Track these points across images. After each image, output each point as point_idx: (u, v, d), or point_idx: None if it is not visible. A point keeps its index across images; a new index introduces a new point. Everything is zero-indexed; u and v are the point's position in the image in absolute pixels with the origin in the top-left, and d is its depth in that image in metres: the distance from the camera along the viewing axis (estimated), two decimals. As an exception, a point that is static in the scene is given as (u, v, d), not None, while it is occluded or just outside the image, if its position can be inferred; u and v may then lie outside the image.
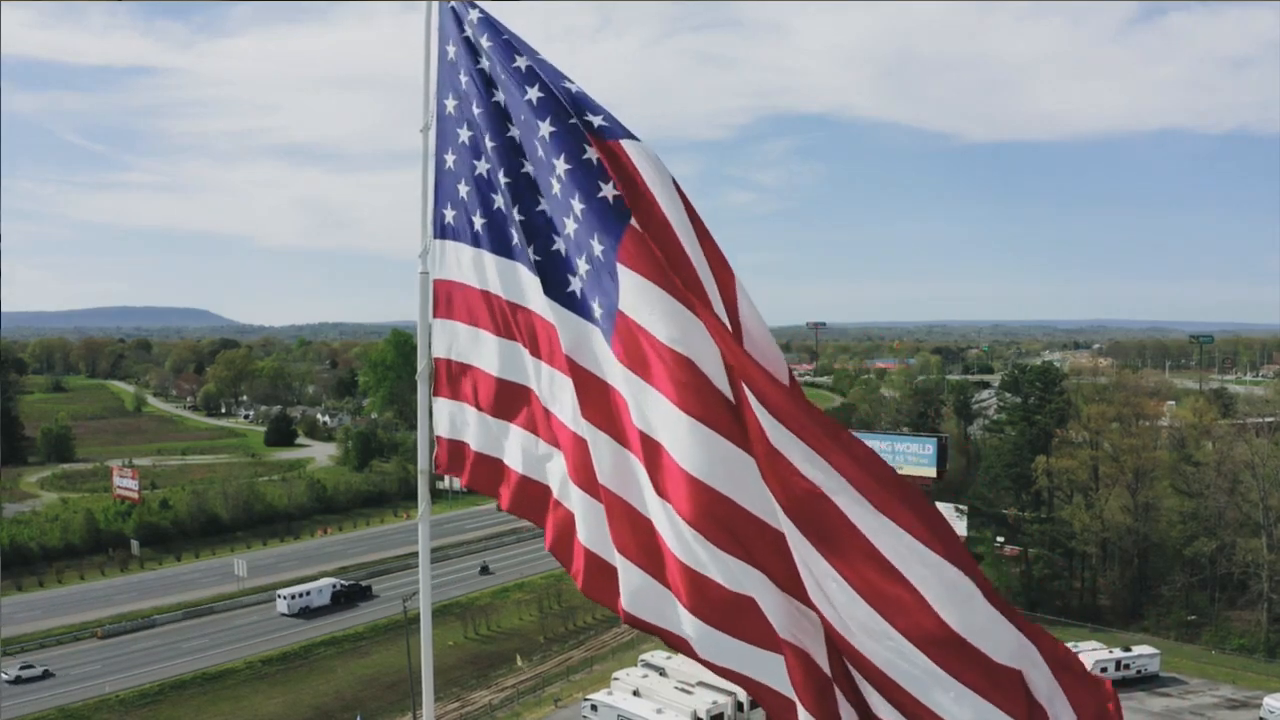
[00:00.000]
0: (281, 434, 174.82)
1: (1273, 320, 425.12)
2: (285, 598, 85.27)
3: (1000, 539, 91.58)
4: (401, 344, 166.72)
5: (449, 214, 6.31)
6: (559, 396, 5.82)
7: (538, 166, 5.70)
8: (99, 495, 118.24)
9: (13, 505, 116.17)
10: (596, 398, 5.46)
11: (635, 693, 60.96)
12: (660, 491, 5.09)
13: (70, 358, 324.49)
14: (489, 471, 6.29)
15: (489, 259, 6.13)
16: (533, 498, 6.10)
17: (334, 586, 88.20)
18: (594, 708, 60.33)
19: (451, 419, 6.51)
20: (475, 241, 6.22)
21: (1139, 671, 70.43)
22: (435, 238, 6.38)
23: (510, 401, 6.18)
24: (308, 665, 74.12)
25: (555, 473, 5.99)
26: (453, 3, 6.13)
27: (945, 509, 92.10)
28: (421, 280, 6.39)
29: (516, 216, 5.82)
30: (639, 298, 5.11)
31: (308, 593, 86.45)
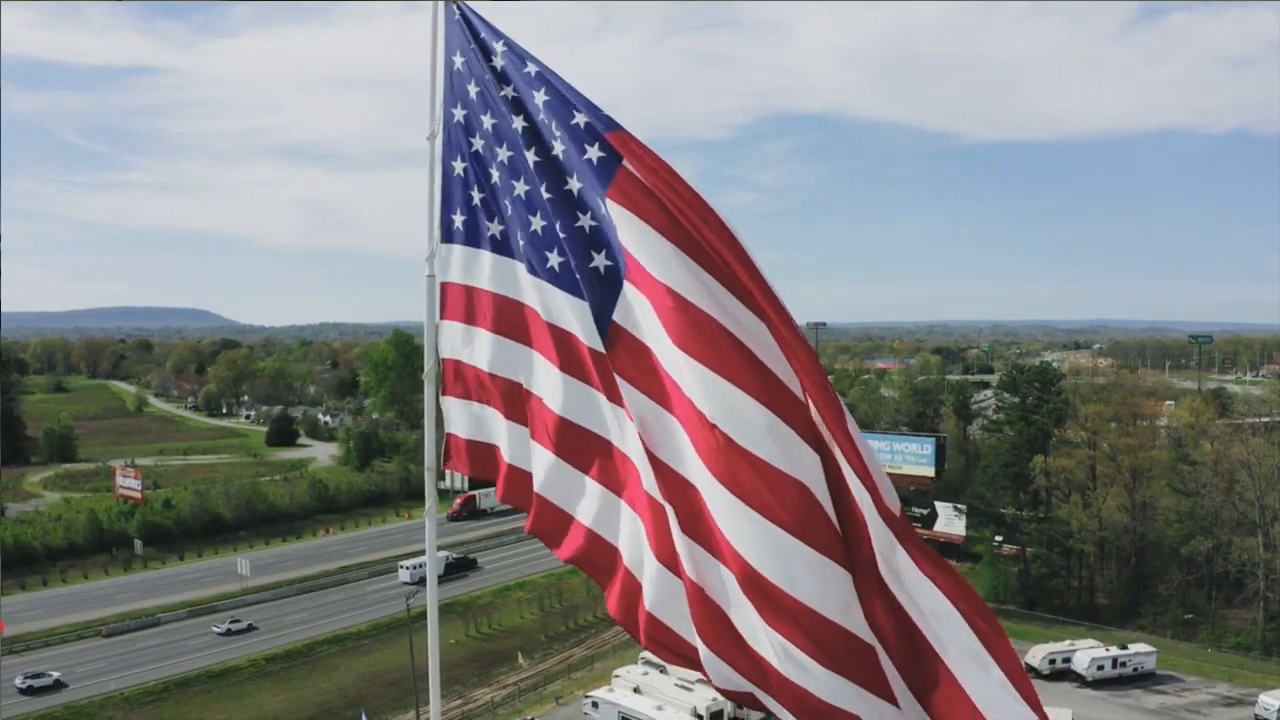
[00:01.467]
0: (283, 434, 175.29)
1: (1273, 320, 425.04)
2: (407, 568, 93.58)
3: (999, 538, 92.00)
4: (402, 344, 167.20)
5: (457, 219, 6.38)
6: (633, 446, 5.66)
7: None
8: (101, 495, 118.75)
9: (16, 505, 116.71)
10: (686, 503, 5.29)
11: (636, 690, 61.40)
12: (747, 593, 5.06)
13: (71, 358, 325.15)
14: (552, 519, 6.11)
15: (535, 280, 6.08)
16: (601, 559, 5.96)
17: (447, 558, 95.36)
18: (595, 705, 60.79)
19: (461, 418, 6.55)
20: (499, 250, 6.30)
21: (1135, 669, 70.74)
22: (443, 242, 6.46)
23: (583, 449, 5.98)
24: (310, 663, 74.56)
25: (627, 534, 5.83)
26: (458, 12, 6.23)
27: (944, 509, 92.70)
28: (429, 283, 6.49)
29: (558, 233, 5.84)
30: (718, 399, 4.99)
31: (425, 564, 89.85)
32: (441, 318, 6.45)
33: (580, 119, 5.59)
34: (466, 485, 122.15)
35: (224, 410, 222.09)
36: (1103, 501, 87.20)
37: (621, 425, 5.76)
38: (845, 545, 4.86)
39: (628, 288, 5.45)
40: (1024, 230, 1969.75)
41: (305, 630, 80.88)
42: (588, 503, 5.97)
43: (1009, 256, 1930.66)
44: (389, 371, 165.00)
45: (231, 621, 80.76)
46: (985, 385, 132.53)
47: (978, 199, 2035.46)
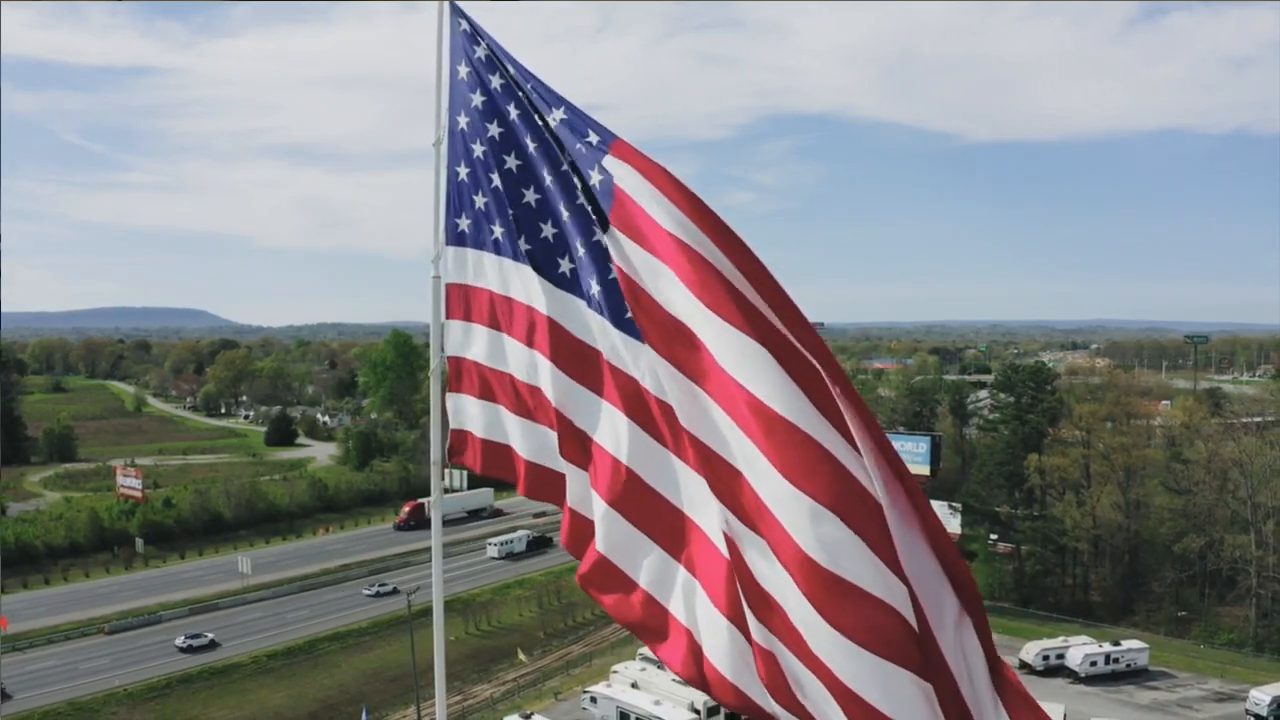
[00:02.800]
0: (282, 434, 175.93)
1: (1272, 320, 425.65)
2: (495, 544, 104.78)
3: (993, 536, 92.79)
4: (401, 344, 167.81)
5: (462, 223, 6.55)
6: (702, 514, 5.52)
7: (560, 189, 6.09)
8: (102, 495, 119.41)
9: (16, 504, 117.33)
10: (774, 617, 5.13)
11: (634, 685, 62.04)
12: (844, 708, 4.97)
13: (70, 358, 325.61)
14: (610, 579, 5.87)
15: (599, 319, 6.08)
16: (655, 624, 5.76)
17: (528, 536, 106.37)
18: (593, 700, 61.50)
19: (466, 412, 6.74)
20: (502, 253, 6.53)
21: (1128, 665, 71.49)
22: (448, 244, 6.61)
23: (646, 506, 5.75)
24: (312, 660, 75.23)
25: (681, 598, 5.65)
26: (464, 24, 6.53)
27: (939, 507, 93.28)
28: (434, 284, 6.74)
29: (580, 250, 5.99)
30: (801, 518, 4.84)
31: (511, 540, 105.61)
32: (447, 317, 6.67)
33: (581, 144, 5.82)
34: (466, 483, 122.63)
35: (223, 410, 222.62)
36: (1097, 500, 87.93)
37: (690, 487, 5.57)
38: (925, 653, 4.82)
39: (688, 385, 5.31)
40: (1023, 230, 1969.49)
41: (306, 627, 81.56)
42: (648, 566, 5.74)
43: (1008, 257, 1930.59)
44: (387, 372, 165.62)
45: (379, 585, 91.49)
46: (982, 385, 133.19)
47: (977, 199, 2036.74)
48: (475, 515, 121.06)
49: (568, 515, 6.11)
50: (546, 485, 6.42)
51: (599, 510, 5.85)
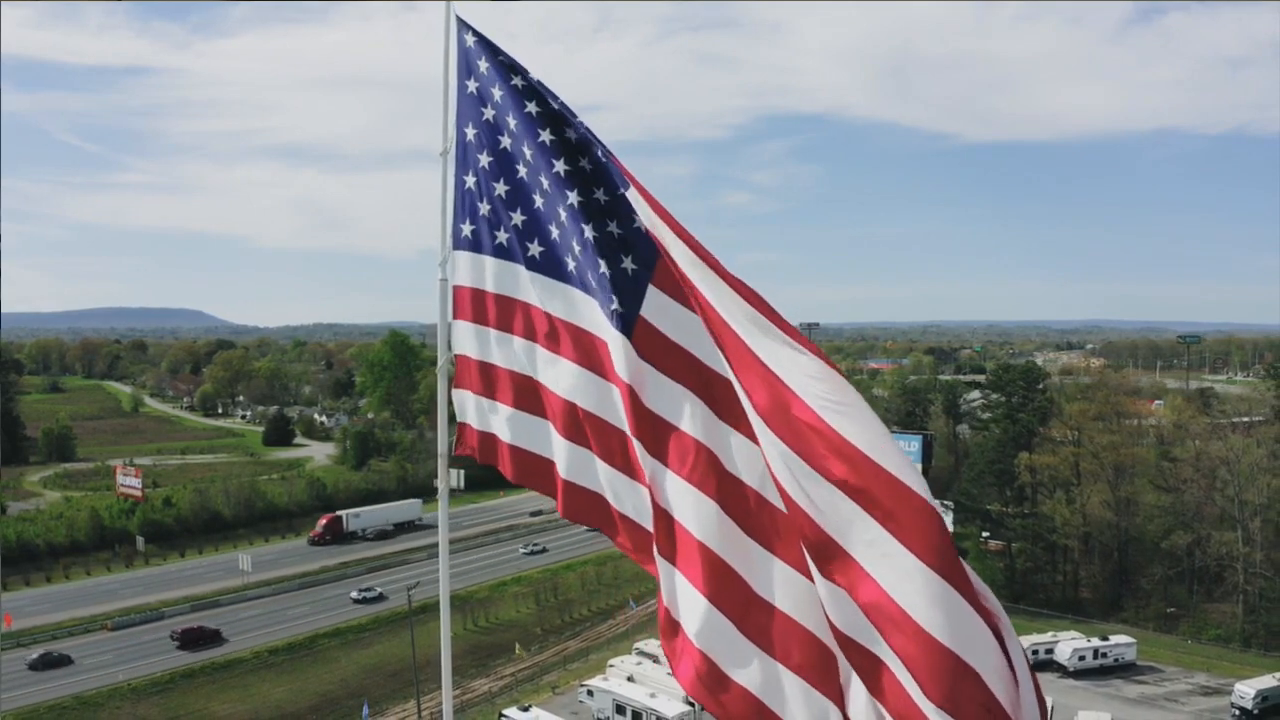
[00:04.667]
0: (280, 433, 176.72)
1: (1269, 320, 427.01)
2: None
3: (985, 534, 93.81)
4: (398, 344, 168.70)
5: (466, 228, 6.73)
6: (804, 606, 5.29)
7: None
8: (101, 494, 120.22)
9: (16, 504, 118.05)
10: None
11: (630, 679, 63.02)
12: None
13: (67, 359, 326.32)
14: (715, 678, 5.49)
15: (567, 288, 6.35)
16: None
17: None
18: (590, 693, 62.46)
19: (470, 408, 7.00)
20: (503, 256, 6.80)
21: (1116, 660, 72.58)
22: (454, 249, 6.78)
23: (746, 607, 5.44)
24: (313, 655, 76.15)
25: (793, 703, 5.31)
26: (470, 40, 6.80)
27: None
28: (441, 286, 6.88)
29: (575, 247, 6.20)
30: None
31: None
32: (453, 318, 6.87)
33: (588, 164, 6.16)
34: (462, 483, 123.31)
35: (220, 410, 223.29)
36: (1086, 497, 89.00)
37: (791, 588, 5.36)
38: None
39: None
40: (1020, 230, 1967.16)
41: (307, 624, 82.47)
42: (751, 668, 5.39)
43: (1005, 257, 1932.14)
44: (385, 371, 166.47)
45: (533, 544, 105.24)
46: (976, 385, 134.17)
47: (974, 199, 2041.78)
48: (403, 528, 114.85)
49: (663, 612, 5.71)
50: (591, 511, 6.31)
51: (698, 605, 5.48)
